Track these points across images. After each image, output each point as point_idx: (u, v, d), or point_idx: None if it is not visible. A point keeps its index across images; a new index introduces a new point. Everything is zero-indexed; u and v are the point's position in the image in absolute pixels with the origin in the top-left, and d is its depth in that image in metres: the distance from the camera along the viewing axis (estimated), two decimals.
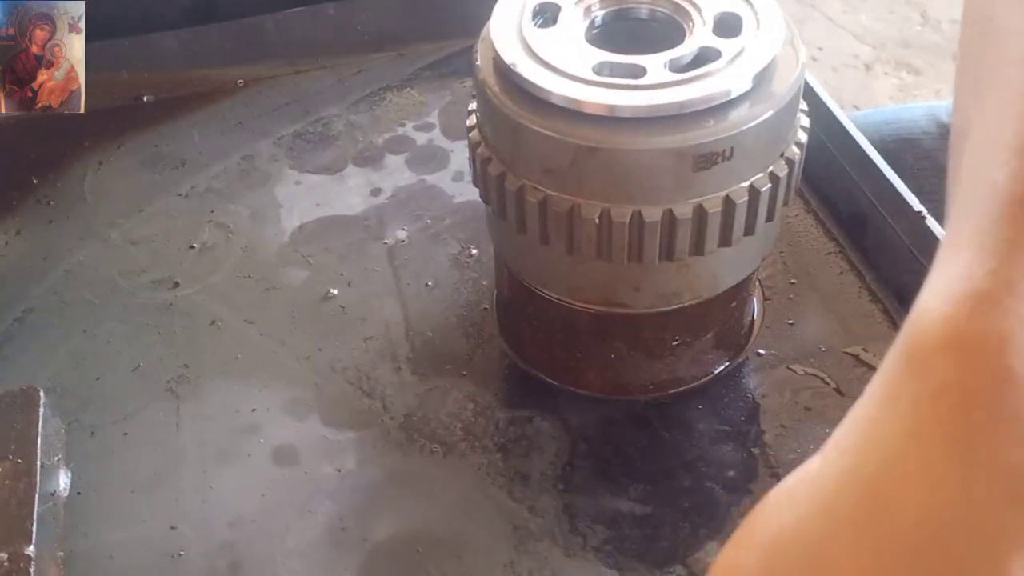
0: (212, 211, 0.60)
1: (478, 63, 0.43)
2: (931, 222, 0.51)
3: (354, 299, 0.55)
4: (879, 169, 0.53)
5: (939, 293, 0.26)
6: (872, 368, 0.50)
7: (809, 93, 0.57)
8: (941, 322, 0.25)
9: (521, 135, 0.40)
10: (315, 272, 0.56)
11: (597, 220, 0.40)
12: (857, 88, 2.16)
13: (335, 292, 0.55)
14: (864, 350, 0.51)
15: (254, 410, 0.50)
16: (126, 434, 0.49)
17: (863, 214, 0.55)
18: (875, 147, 0.55)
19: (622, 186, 0.40)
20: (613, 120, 0.38)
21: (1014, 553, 0.24)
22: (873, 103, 2.12)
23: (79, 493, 0.47)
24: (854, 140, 0.55)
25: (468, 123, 0.45)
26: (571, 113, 0.39)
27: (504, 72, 0.41)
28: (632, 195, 0.40)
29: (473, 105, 0.45)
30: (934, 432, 0.25)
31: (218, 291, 0.55)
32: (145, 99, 0.68)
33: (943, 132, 0.72)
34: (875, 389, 0.27)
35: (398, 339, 0.53)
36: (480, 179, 0.44)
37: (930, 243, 0.50)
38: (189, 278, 0.56)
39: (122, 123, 0.66)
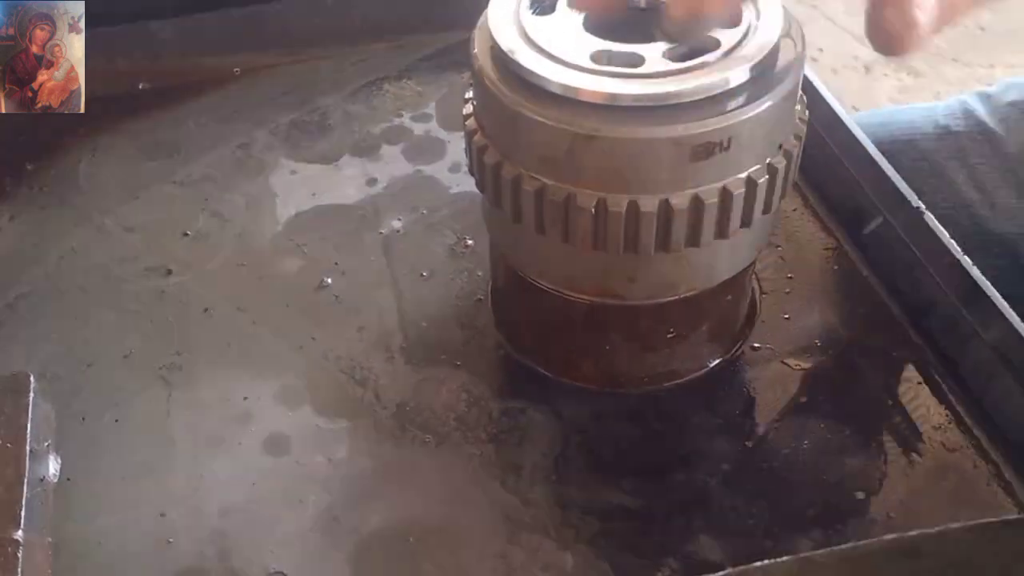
0: (207, 199, 0.60)
1: (475, 51, 0.42)
2: (929, 218, 0.50)
3: (348, 288, 0.54)
4: (878, 165, 0.53)
5: None
6: (867, 363, 0.50)
7: (808, 88, 0.56)
8: None
9: (518, 123, 0.40)
10: (309, 261, 0.56)
11: (593, 210, 0.40)
12: (857, 89, 2.15)
13: (329, 281, 0.55)
14: (860, 345, 0.51)
15: (246, 399, 0.49)
16: (117, 421, 0.49)
17: (861, 209, 0.54)
18: None
19: (619, 175, 0.39)
20: (611, 108, 0.38)
21: None
22: (873, 104, 2.12)
23: (69, 479, 0.47)
24: (853, 136, 0.55)
25: (464, 111, 0.45)
26: (569, 101, 0.39)
27: (501, 60, 0.41)
28: (629, 184, 0.40)
29: (470, 93, 0.45)
30: None
31: (211, 279, 0.55)
32: (142, 87, 0.68)
33: (940, 133, 0.73)
34: None
35: (392, 329, 0.52)
36: (476, 168, 0.44)
37: (928, 240, 0.50)
38: (182, 266, 0.56)
39: (118, 111, 0.65)
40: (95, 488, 0.46)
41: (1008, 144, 0.70)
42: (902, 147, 0.72)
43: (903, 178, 0.53)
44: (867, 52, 2.24)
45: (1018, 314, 0.46)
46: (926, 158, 0.71)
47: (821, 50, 2.24)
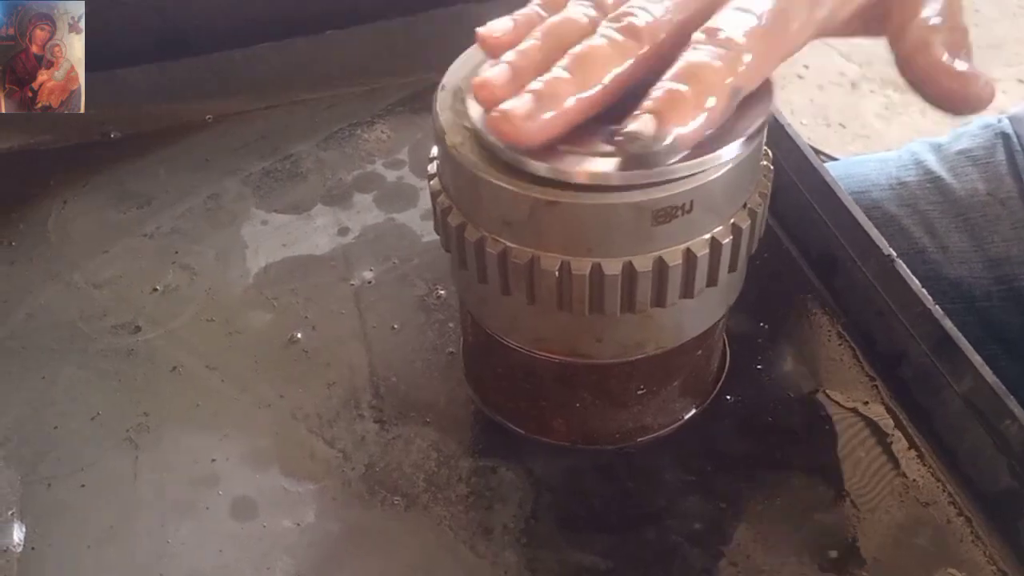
0: (176, 252, 0.59)
1: (437, 111, 0.42)
2: (900, 265, 0.50)
3: (318, 343, 0.54)
4: (849, 212, 0.53)
5: None
6: (840, 414, 0.49)
7: (783, 136, 0.56)
8: None
9: (479, 187, 0.40)
10: (279, 315, 0.55)
11: (557, 272, 0.40)
12: (843, 106, 2.16)
13: (299, 336, 0.54)
14: (832, 396, 0.50)
15: (213, 460, 0.49)
16: (83, 486, 0.48)
17: (834, 256, 0.54)
18: None
19: (581, 239, 0.39)
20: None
21: None
22: (859, 121, 2.13)
23: (33, 548, 0.46)
24: (826, 183, 0.54)
25: (429, 170, 0.44)
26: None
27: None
28: (591, 248, 0.39)
29: (434, 151, 0.44)
30: None
31: (180, 336, 0.55)
32: (112, 135, 0.67)
33: (891, 183, 0.73)
34: None
35: (362, 385, 0.52)
36: (441, 228, 0.44)
37: (898, 287, 0.50)
38: (151, 322, 0.55)
39: (88, 160, 0.65)
40: (60, 557, 0.46)
41: (957, 190, 0.71)
42: (857, 199, 0.73)
43: None
44: (853, 68, 2.25)
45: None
46: (879, 206, 0.72)
47: (807, 67, 2.25)
